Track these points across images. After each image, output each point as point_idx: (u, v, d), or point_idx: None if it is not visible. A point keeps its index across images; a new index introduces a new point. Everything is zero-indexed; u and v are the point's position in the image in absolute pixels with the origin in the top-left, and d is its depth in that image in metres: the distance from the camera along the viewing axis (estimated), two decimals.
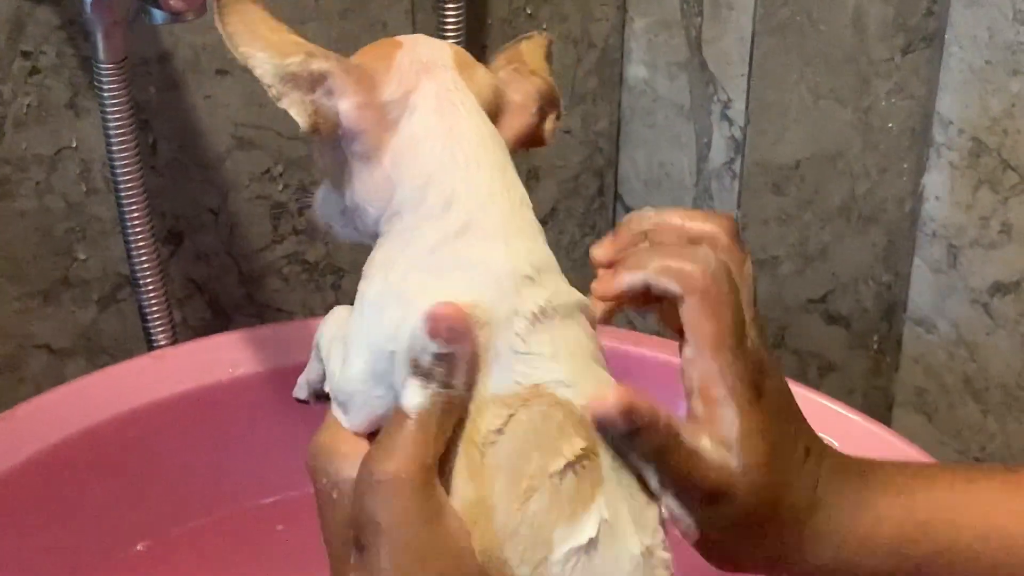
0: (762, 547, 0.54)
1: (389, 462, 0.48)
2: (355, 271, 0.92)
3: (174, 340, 0.91)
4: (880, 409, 1.13)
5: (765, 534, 0.53)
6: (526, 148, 0.59)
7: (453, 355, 0.49)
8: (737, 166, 0.98)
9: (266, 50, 0.53)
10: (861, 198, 1.03)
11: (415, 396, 0.48)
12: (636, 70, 1.05)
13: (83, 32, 0.84)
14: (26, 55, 0.84)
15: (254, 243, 1.00)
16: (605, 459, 0.49)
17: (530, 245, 0.53)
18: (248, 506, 0.86)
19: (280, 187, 0.98)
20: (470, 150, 0.53)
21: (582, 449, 0.48)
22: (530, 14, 1.01)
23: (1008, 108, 0.96)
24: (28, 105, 0.86)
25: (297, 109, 0.53)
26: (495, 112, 0.56)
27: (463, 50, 0.59)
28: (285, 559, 0.84)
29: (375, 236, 0.54)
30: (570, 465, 0.48)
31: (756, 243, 1.02)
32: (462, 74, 0.54)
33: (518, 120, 0.57)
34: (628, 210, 1.13)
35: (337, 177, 0.55)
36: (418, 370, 0.48)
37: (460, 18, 0.94)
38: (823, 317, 1.08)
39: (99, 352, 0.96)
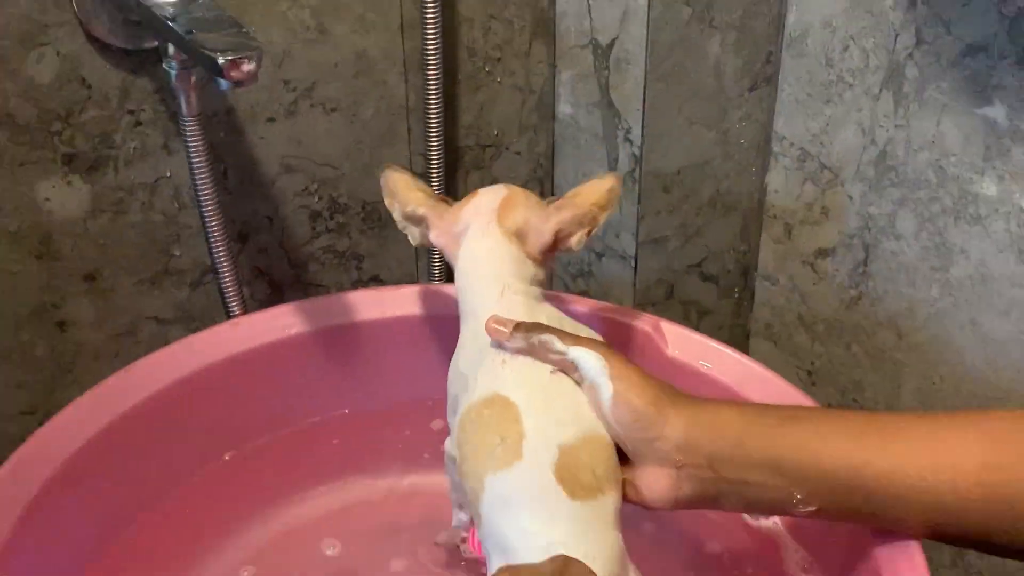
0: (653, 391, 0.65)
1: None
2: (371, 256, 1.08)
3: (244, 311, 0.97)
4: (740, 339, 1.19)
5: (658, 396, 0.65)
6: (556, 252, 0.74)
7: None
8: (637, 174, 1.04)
9: (396, 201, 0.75)
10: (723, 193, 1.09)
11: None
12: (564, 108, 1.10)
13: (171, 95, 0.89)
14: (131, 112, 0.91)
15: (298, 239, 1.04)
16: (527, 441, 0.63)
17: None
18: (307, 424, 0.93)
19: (315, 199, 1.03)
20: (481, 265, 0.71)
21: (514, 432, 0.64)
22: (488, 71, 1.06)
23: (824, 126, 1.02)
24: (134, 148, 0.92)
25: (410, 234, 0.76)
26: (521, 235, 0.72)
27: (517, 194, 0.74)
28: (341, 465, 0.91)
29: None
30: (502, 440, 0.64)
31: (652, 227, 1.07)
32: (500, 213, 0.71)
33: (535, 239, 0.72)
34: None
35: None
36: None
37: (438, 74, 1.00)
38: (699, 277, 1.13)
39: (191, 321, 1.01)
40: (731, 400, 0.78)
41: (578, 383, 0.67)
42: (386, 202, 0.76)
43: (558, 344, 0.66)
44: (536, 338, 0.67)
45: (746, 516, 0.84)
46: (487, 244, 0.72)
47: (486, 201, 0.73)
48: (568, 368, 0.67)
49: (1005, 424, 0.62)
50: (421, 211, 0.74)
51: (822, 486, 0.63)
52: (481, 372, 0.68)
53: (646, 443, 0.64)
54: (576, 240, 0.73)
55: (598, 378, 0.66)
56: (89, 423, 0.80)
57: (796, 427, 0.65)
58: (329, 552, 0.83)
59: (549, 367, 0.68)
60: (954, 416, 0.65)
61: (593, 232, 0.73)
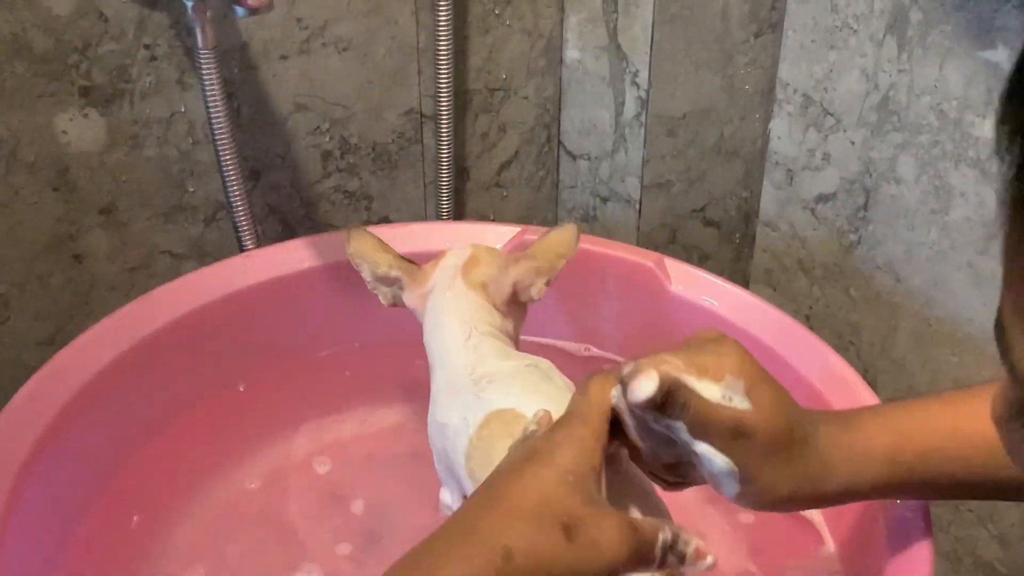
0: (790, 471, 0.55)
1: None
2: (380, 197, 1.09)
3: (257, 247, 0.97)
4: (740, 284, 1.07)
5: (790, 458, 0.54)
6: (520, 302, 0.74)
7: None
8: (643, 118, 1.04)
9: (367, 263, 0.76)
10: (727, 139, 1.09)
11: None
12: (571, 53, 1.10)
13: (187, 29, 0.89)
14: (147, 47, 0.91)
15: (310, 178, 1.04)
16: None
17: (472, 360, 0.70)
18: (319, 356, 0.94)
19: (327, 139, 1.03)
20: (447, 315, 0.72)
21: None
22: (497, 14, 1.06)
23: (827, 72, 1.01)
24: (149, 82, 0.92)
25: (381, 295, 0.76)
26: (485, 287, 0.73)
27: (481, 251, 0.75)
28: (354, 396, 0.92)
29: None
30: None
31: (656, 171, 1.07)
32: (464, 269, 0.73)
33: (496, 290, 0.73)
34: (568, 153, 1.16)
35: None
36: None
37: (449, 15, 0.99)
38: (702, 222, 1.13)
39: (205, 256, 1.02)
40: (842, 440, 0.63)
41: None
42: (353, 263, 0.77)
43: (684, 434, 0.55)
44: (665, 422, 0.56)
45: None
46: (451, 295, 0.73)
47: (452, 260, 0.75)
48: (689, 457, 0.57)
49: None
50: (395, 272, 0.76)
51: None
52: (464, 411, 0.68)
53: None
54: (535, 290, 0.74)
55: (724, 480, 0.56)
56: (106, 349, 0.81)
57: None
58: (321, 470, 0.86)
59: (521, 368, 0.69)
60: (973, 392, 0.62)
61: (550, 281, 0.74)
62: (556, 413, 0.58)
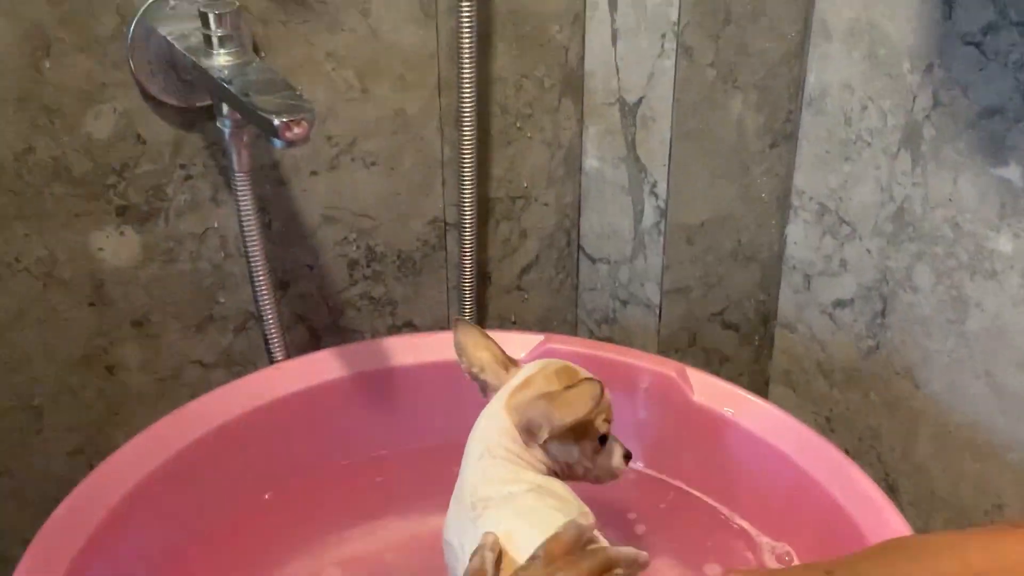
0: None
1: None
2: (405, 302, 1.10)
3: (286, 356, 0.98)
4: (760, 385, 1.18)
5: None
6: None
7: None
8: (662, 226, 1.04)
9: (464, 357, 0.75)
10: (745, 244, 1.09)
11: None
12: (591, 162, 1.10)
13: (222, 150, 0.91)
14: (183, 166, 0.92)
15: (337, 286, 1.05)
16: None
17: (476, 482, 0.71)
18: (344, 463, 0.94)
19: (354, 248, 1.04)
20: (476, 429, 0.74)
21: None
22: (519, 127, 1.07)
23: (842, 183, 1.03)
24: (184, 200, 0.94)
25: (479, 386, 0.76)
26: (516, 412, 0.72)
27: (538, 376, 0.73)
28: (379, 505, 0.92)
29: None
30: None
31: (675, 277, 1.07)
32: (515, 388, 0.73)
33: (518, 419, 0.71)
34: (588, 257, 1.16)
35: None
36: None
37: (472, 130, 1.01)
38: (721, 325, 1.13)
39: (234, 364, 1.02)
40: None
41: None
42: (456, 353, 0.77)
43: None
44: None
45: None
46: (488, 411, 0.74)
47: (517, 376, 0.75)
48: None
49: None
50: (483, 376, 0.76)
51: None
52: (460, 535, 0.70)
53: None
54: (539, 436, 0.71)
55: None
56: (140, 465, 0.83)
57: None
58: None
59: (520, 492, 0.70)
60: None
61: (553, 432, 0.71)
62: (545, 535, 0.63)
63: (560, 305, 1.20)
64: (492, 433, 0.73)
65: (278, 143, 0.74)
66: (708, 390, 0.92)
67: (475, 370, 0.76)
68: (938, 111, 0.92)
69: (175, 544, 0.85)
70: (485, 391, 0.76)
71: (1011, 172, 0.88)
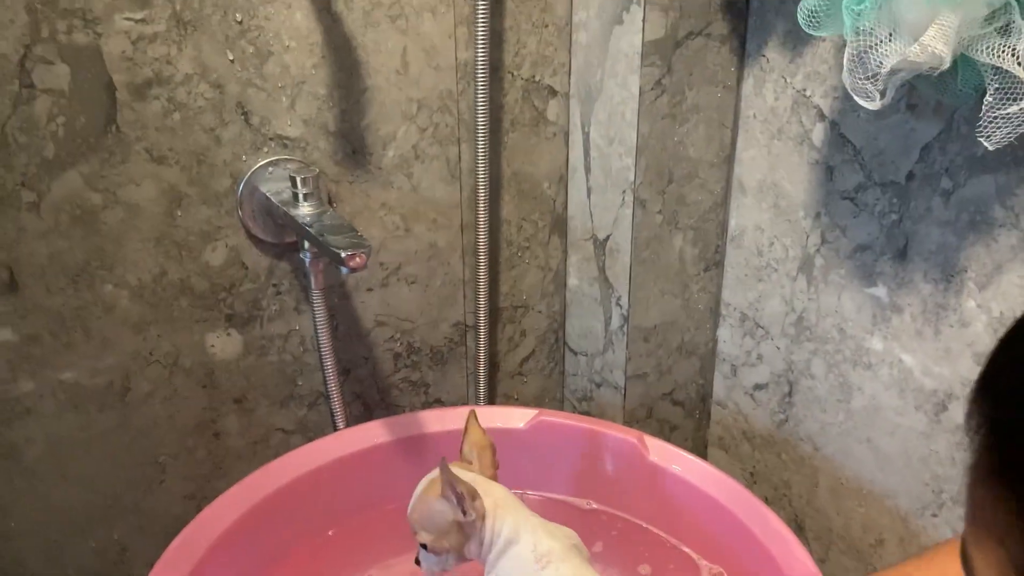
0: None
1: None
2: (435, 384, 1.10)
3: (347, 425, 0.98)
4: (700, 448, 1.16)
5: None
6: (496, 470, 0.72)
7: None
8: (625, 328, 1.03)
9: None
10: (687, 342, 1.08)
11: None
12: (572, 280, 1.11)
13: (303, 274, 0.90)
14: (274, 285, 0.93)
15: (385, 372, 1.05)
16: None
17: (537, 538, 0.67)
18: (389, 509, 0.91)
19: (398, 344, 1.04)
20: (497, 494, 0.70)
21: None
22: (519, 255, 1.07)
23: (757, 297, 1.02)
24: (274, 309, 0.94)
25: (445, 542, 0.70)
26: (483, 474, 0.70)
27: (458, 463, 0.71)
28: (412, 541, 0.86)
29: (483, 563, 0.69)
30: None
31: (636, 366, 1.05)
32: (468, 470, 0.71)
33: (488, 471, 0.71)
34: (571, 350, 1.15)
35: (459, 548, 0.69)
36: None
37: (486, 258, 1.01)
38: (671, 402, 1.11)
39: (307, 430, 1.01)
40: None
41: None
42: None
43: None
44: None
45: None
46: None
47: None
48: None
49: None
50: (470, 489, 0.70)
51: None
52: None
53: None
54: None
55: None
56: (237, 507, 0.83)
57: None
58: None
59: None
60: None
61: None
62: None
63: (550, 387, 1.21)
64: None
65: (344, 270, 0.77)
66: (661, 452, 0.91)
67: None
68: (825, 247, 0.93)
69: (262, 567, 0.85)
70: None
71: (879, 291, 0.89)
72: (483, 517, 0.69)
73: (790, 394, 1.03)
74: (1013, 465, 0.29)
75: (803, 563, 0.77)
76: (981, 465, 0.30)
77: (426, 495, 0.70)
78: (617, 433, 0.94)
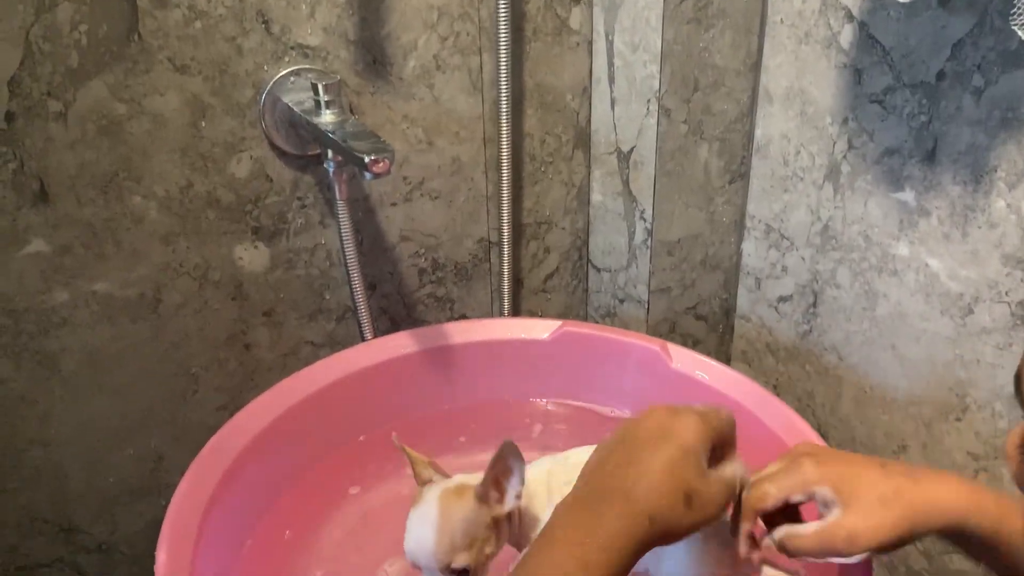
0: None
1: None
2: (460, 300, 1.11)
3: (374, 336, 0.98)
4: (724, 362, 1.00)
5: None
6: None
7: None
8: (649, 243, 1.03)
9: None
10: (711, 257, 1.07)
11: None
12: (596, 196, 1.10)
13: (327, 186, 0.92)
14: (299, 198, 0.93)
15: (410, 288, 1.05)
16: None
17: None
18: (416, 417, 0.93)
19: (423, 260, 1.04)
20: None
21: None
22: (543, 171, 1.06)
23: (782, 208, 1.01)
24: (300, 223, 0.94)
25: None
26: None
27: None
28: (439, 444, 0.88)
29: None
30: None
31: (659, 280, 1.05)
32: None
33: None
34: (595, 268, 1.14)
35: None
36: None
37: (509, 172, 1.00)
38: (694, 317, 1.11)
39: (336, 344, 1.02)
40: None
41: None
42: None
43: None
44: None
45: None
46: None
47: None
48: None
49: None
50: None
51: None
52: None
53: None
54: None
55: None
56: (269, 413, 0.84)
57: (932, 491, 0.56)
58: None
59: None
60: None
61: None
62: None
63: (574, 303, 1.21)
64: None
65: (368, 175, 0.76)
66: (684, 359, 0.91)
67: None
68: (852, 153, 0.92)
69: (295, 470, 0.86)
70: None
71: (906, 196, 0.88)
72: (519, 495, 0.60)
73: (814, 305, 1.03)
74: None
75: None
76: None
77: (449, 510, 0.59)
78: (640, 342, 0.94)
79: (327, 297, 1.01)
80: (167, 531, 0.69)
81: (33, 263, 0.84)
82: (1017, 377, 0.33)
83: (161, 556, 0.67)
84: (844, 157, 0.93)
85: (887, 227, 0.90)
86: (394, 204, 1.01)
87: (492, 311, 1.14)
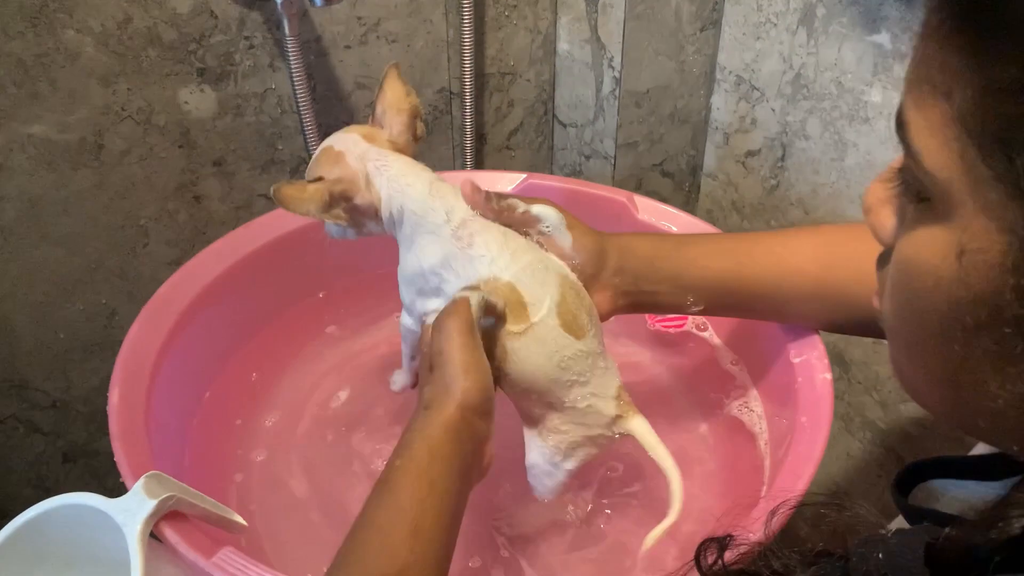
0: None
1: (447, 317, 0.54)
2: (419, 156, 1.03)
3: None
4: None
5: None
6: (416, 141, 0.66)
7: None
8: (617, 92, 1.01)
9: (307, 205, 0.62)
10: (680, 110, 1.06)
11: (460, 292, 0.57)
12: (563, 45, 1.08)
13: (276, 24, 0.89)
14: (247, 38, 0.89)
15: None
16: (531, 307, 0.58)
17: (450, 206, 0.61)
18: (375, 274, 0.88)
19: None
20: (393, 168, 0.63)
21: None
22: (507, 15, 1.03)
23: (754, 58, 1.00)
24: (248, 65, 0.91)
25: (332, 219, 0.63)
26: (395, 141, 0.65)
27: (364, 127, 0.65)
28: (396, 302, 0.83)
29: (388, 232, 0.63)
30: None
31: (626, 134, 1.04)
32: (370, 139, 0.64)
33: (402, 138, 0.65)
34: (561, 124, 1.13)
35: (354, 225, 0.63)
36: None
37: (471, 16, 0.98)
38: (660, 174, 1.11)
39: None
40: (646, 232, 0.74)
41: (537, 235, 0.62)
42: (298, 212, 0.63)
43: (521, 205, 0.61)
44: (504, 202, 0.61)
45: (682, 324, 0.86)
46: (388, 158, 0.64)
47: (350, 146, 0.64)
48: (530, 222, 0.61)
49: (835, 235, 0.63)
50: (332, 190, 0.63)
51: (707, 291, 0.63)
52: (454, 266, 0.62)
53: (594, 275, 0.62)
54: (419, 128, 0.66)
55: (558, 228, 0.61)
56: (222, 261, 0.81)
57: (689, 248, 0.64)
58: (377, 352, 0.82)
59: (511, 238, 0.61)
60: (799, 231, 0.65)
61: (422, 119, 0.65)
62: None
63: (538, 162, 1.19)
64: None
65: (318, 1, 0.72)
66: (650, 210, 0.90)
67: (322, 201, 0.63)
68: None
69: (251, 325, 0.85)
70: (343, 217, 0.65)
71: (882, 38, 0.86)
72: (351, 200, 0.61)
73: (783, 158, 1.02)
74: (975, 9, 0.28)
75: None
76: (939, 18, 0.30)
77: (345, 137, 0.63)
78: (606, 193, 0.93)
79: (280, 147, 0.98)
80: (119, 372, 0.68)
81: None
82: (898, 117, 0.33)
83: (113, 397, 0.66)
84: (819, 0, 0.90)
85: (860, 73, 0.89)
86: (348, 47, 0.97)
87: (454, 167, 1.12)
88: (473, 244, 0.61)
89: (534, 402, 0.61)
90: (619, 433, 0.62)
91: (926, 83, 0.31)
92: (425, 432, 0.51)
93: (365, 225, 0.65)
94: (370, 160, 0.63)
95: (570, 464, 0.62)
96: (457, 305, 0.54)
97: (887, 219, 0.36)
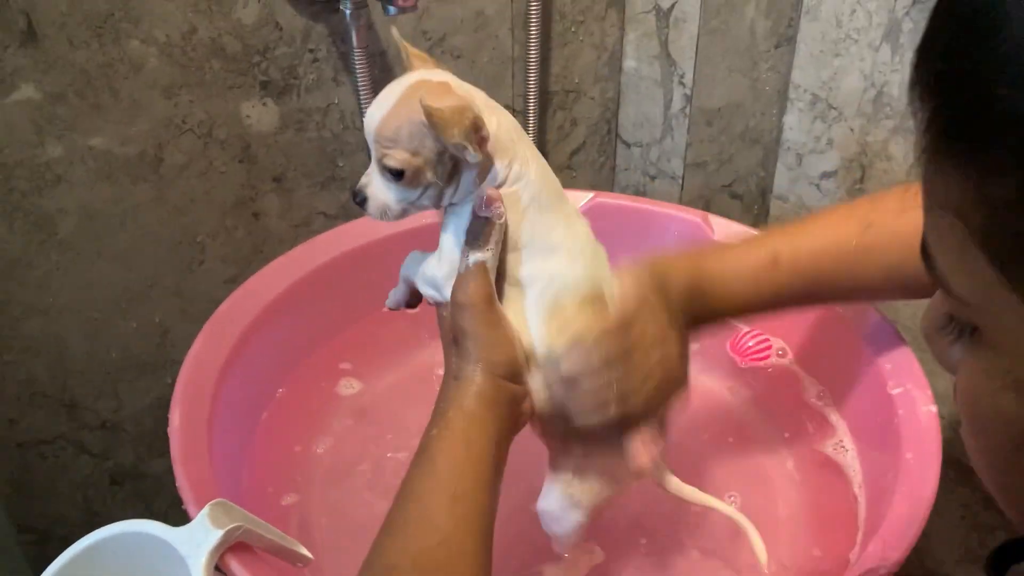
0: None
1: (464, 294, 0.52)
2: None
3: None
4: None
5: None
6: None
7: (491, 223, 0.50)
8: (687, 111, 1.00)
9: (455, 128, 0.49)
10: (751, 129, 1.03)
11: (475, 256, 0.51)
12: (629, 63, 1.06)
13: (342, 37, 0.87)
14: (311, 51, 0.88)
15: None
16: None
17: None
18: None
19: None
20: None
21: None
22: (573, 31, 1.01)
23: (831, 76, 0.97)
24: (312, 79, 0.89)
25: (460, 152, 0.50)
26: None
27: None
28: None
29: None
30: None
31: (696, 153, 1.02)
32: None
33: None
34: (624, 143, 1.11)
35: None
36: (472, 241, 0.51)
37: (537, 32, 0.95)
38: (729, 195, 1.09)
39: (351, 216, 0.93)
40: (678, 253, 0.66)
41: None
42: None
43: None
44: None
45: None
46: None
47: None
48: None
49: (864, 203, 0.62)
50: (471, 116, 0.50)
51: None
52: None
53: None
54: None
55: None
56: (281, 279, 0.80)
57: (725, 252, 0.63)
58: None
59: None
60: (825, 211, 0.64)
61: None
62: None
63: (600, 182, 1.17)
64: None
65: (392, 9, 0.72)
66: (727, 230, 0.87)
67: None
68: (916, 8, 0.86)
69: (313, 343, 0.83)
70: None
71: None
72: (492, 157, 0.50)
73: (862, 180, 0.98)
74: (960, 124, 0.27)
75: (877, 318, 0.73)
76: (930, 138, 0.29)
77: (412, 101, 0.49)
78: (679, 213, 0.90)
79: (340, 164, 0.96)
80: (180, 392, 0.65)
81: (23, 111, 0.79)
82: (923, 246, 0.31)
83: (174, 418, 0.63)
84: (907, 13, 0.88)
85: None
86: None
87: None
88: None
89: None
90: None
91: (937, 207, 0.29)
92: (457, 400, 0.51)
93: (452, 187, 0.53)
94: (476, 96, 0.51)
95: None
96: (475, 271, 0.51)
97: (946, 348, 0.34)
